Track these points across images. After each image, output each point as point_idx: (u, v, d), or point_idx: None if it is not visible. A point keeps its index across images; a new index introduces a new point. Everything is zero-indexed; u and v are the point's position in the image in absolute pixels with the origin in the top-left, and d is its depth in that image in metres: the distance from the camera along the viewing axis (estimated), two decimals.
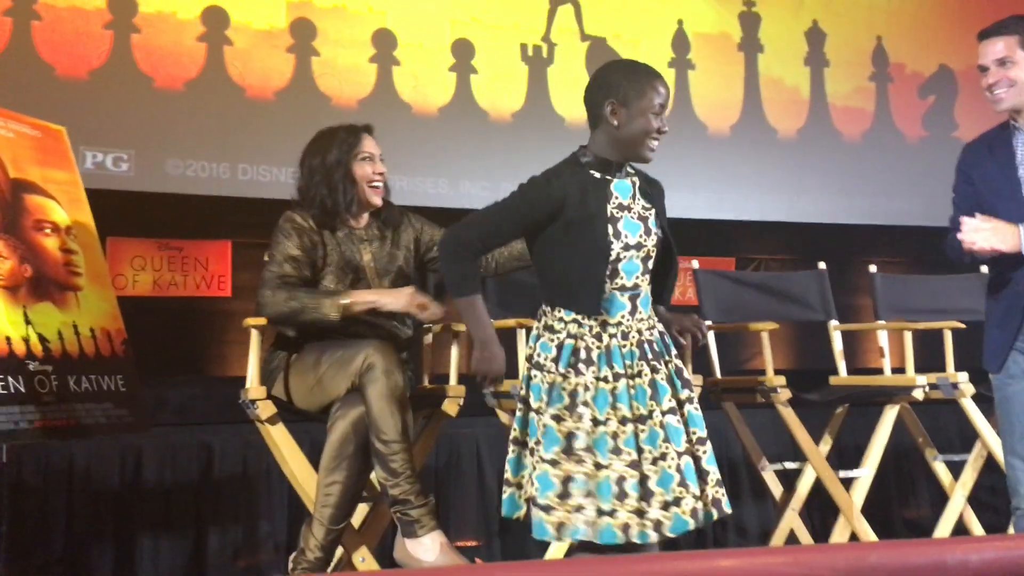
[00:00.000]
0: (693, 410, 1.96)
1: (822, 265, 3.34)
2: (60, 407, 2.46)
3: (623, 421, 1.91)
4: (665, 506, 1.87)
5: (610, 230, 1.93)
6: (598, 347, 1.95)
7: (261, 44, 4.32)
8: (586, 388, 1.91)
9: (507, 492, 1.96)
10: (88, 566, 2.99)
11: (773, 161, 4.95)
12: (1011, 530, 3.15)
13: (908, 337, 3.00)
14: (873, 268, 3.37)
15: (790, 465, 3.05)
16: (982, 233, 2.12)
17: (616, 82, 1.96)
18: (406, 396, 2.25)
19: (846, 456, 3.41)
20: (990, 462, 3.08)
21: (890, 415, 3.02)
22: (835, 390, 3.10)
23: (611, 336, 1.96)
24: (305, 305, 2.30)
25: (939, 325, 3.03)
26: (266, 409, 2.34)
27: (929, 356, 3.24)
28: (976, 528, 3.18)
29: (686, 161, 4.82)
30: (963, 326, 3.08)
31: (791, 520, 2.96)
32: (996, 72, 2.18)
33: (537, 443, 1.91)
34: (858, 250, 4.88)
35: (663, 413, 1.93)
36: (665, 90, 1.97)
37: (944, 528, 3.09)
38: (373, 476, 2.43)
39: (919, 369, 3.08)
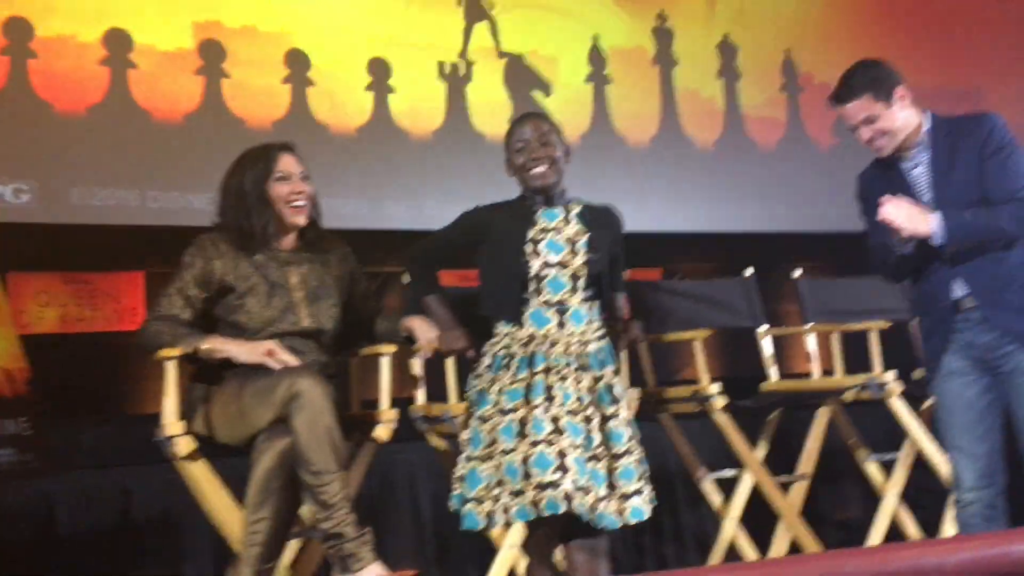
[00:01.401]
0: (615, 427, 2.16)
1: (749, 271, 3.36)
2: None
3: (533, 408, 2.12)
4: (595, 500, 2.07)
5: (528, 249, 2.23)
6: (522, 353, 2.21)
7: (168, 66, 4.17)
8: (501, 389, 2.17)
9: (468, 508, 2.16)
10: None
11: (693, 172, 5.02)
12: (947, 524, 3.22)
13: (836, 339, 3.04)
14: (797, 273, 3.42)
15: (727, 473, 3.05)
16: (903, 211, 2.16)
17: (504, 145, 2.33)
18: (336, 424, 2.15)
19: (780, 461, 3.43)
20: (919, 460, 3.14)
21: (823, 418, 3.05)
22: (768, 396, 3.12)
23: (537, 345, 2.22)
24: (169, 342, 2.25)
25: (865, 326, 3.08)
26: (185, 446, 2.21)
27: (856, 357, 3.29)
28: (910, 526, 3.23)
29: (607, 173, 4.83)
30: (888, 325, 3.14)
31: (731, 529, 2.95)
32: (867, 130, 2.27)
33: (467, 443, 2.19)
34: (780, 257, 4.95)
35: (603, 418, 2.16)
36: (521, 127, 2.30)
37: (879, 527, 3.13)
38: (304, 510, 2.33)
39: (848, 371, 3.12)
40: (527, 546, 2.33)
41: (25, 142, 3.88)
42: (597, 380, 2.20)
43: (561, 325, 2.21)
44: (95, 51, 4.04)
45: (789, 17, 5.33)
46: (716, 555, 2.98)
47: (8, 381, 2.52)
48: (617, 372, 2.25)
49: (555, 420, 2.10)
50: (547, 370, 2.17)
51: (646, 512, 2.14)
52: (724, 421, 2.81)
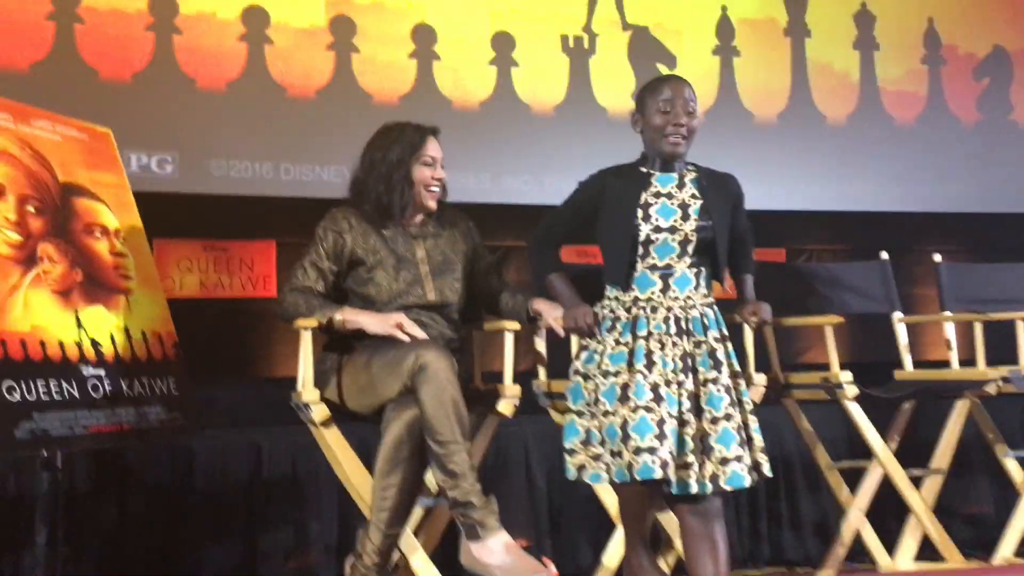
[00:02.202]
0: (715, 391, 2.17)
1: (884, 255, 3.22)
2: (113, 412, 2.44)
3: (636, 373, 2.16)
4: (678, 466, 2.11)
5: (639, 214, 2.24)
6: (626, 317, 2.25)
7: (301, 43, 4.29)
8: (604, 349, 2.22)
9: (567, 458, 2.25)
10: (140, 568, 2.98)
11: (822, 148, 4.82)
12: None
13: (978, 328, 2.88)
14: (938, 257, 3.25)
15: (858, 464, 2.95)
16: None
17: (638, 96, 2.32)
18: (460, 395, 2.20)
19: (912, 453, 3.30)
20: None
21: (961, 410, 2.90)
22: (901, 385, 2.99)
23: (640, 308, 2.25)
24: (306, 312, 2.32)
25: (1011, 316, 2.91)
26: (320, 412, 2.30)
27: (996, 348, 3.12)
28: None
29: (732, 150, 4.68)
30: None
31: (857, 520, 2.86)
32: None
33: (567, 396, 2.27)
34: (912, 238, 4.74)
35: (699, 383, 2.18)
36: (671, 89, 2.27)
37: (1016, 527, 2.97)
38: (429, 478, 2.39)
39: (989, 362, 2.96)
40: (621, 510, 2.35)
41: (169, 116, 4.08)
42: (699, 344, 2.21)
43: (664, 289, 2.24)
44: (234, 28, 4.20)
45: None
46: (839, 548, 2.90)
47: (158, 344, 2.68)
48: (723, 339, 2.24)
49: (655, 388, 2.14)
50: (648, 335, 2.21)
51: (747, 480, 2.12)
52: (855, 410, 2.71)
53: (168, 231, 3.98)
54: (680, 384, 2.16)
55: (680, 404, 2.14)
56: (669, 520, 2.61)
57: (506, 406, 2.46)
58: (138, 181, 3.77)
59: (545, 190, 4.49)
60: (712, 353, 2.21)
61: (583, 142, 4.47)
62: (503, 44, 4.56)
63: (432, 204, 2.45)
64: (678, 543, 2.54)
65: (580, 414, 2.23)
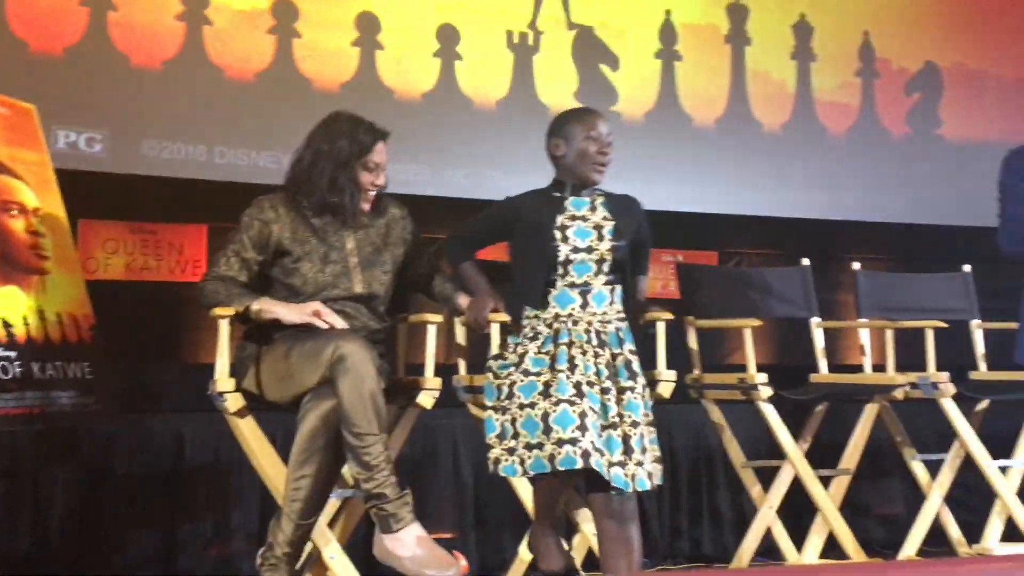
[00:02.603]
0: (632, 398, 2.30)
1: (806, 261, 3.32)
2: (23, 395, 2.39)
3: (558, 372, 2.26)
4: (611, 464, 2.21)
5: (558, 235, 2.37)
6: (548, 332, 2.36)
7: (241, 25, 4.23)
8: (526, 353, 2.33)
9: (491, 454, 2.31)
10: (54, 556, 2.93)
11: (758, 155, 4.92)
12: (990, 528, 3.16)
13: (889, 335, 2.98)
14: (857, 265, 3.35)
15: (769, 463, 3.03)
16: None
17: (561, 125, 2.45)
18: (379, 387, 2.20)
19: (825, 454, 3.40)
20: (967, 462, 3.08)
21: (870, 413, 3.01)
22: (816, 388, 3.09)
23: (562, 323, 2.36)
24: (224, 300, 2.31)
25: (921, 324, 3.02)
26: (235, 402, 2.29)
27: (909, 355, 3.23)
28: (952, 529, 3.18)
29: (670, 153, 4.78)
30: (946, 326, 3.07)
31: (767, 518, 2.94)
32: None
33: (482, 396, 2.37)
34: (840, 246, 4.87)
35: (619, 391, 2.30)
36: (601, 122, 2.42)
37: (920, 528, 3.09)
38: (346, 470, 2.39)
39: (899, 368, 3.07)
40: (535, 500, 2.43)
41: (100, 93, 3.98)
42: (615, 356, 2.34)
43: (584, 305, 2.37)
44: (172, 6, 4.12)
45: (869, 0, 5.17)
46: (749, 544, 2.98)
47: (74, 326, 2.63)
48: (635, 353, 2.39)
49: (577, 385, 2.24)
50: (570, 344, 2.32)
51: (648, 484, 2.27)
52: (768, 411, 2.79)
53: (94, 212, 3.89)
54: (604, 390, 2.27)
55: (606, 407, 2.26)
56: (580, 511, 2.66)
57: (426, 399, 2.47)
58: (64, 159, 3.69)
59: (485, 184, 4.50)
60: (628, 365, 2.35)
61: (525, 138, 4.46)
62: (448, 37, 4.56)
63: (366, 206, 2.44)
64: (587, 531, 2.59)
65: (496, 409, 2.31)
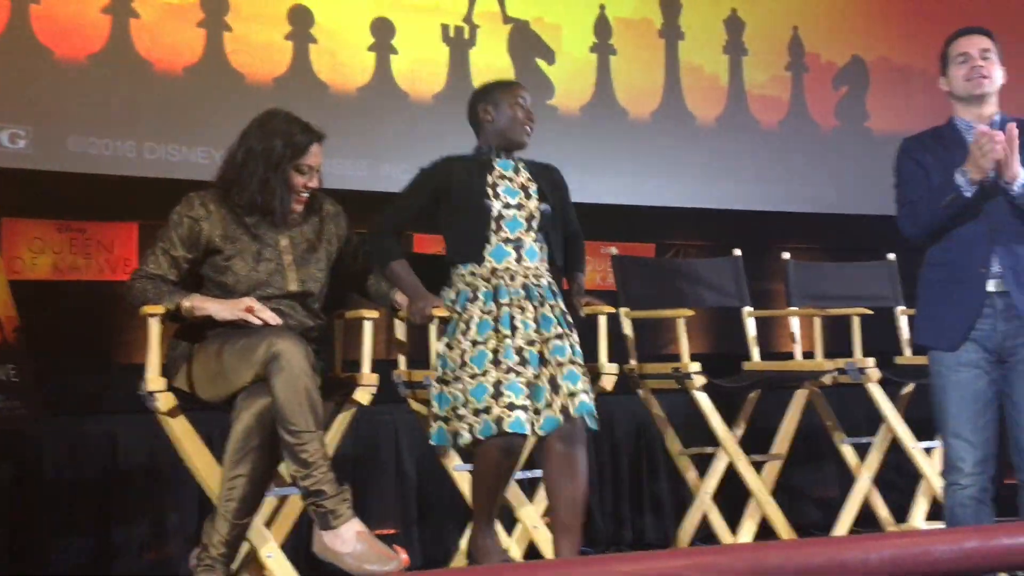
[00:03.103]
0: (559, 344, 2.41)
1: (737, 252, 3.38)
2: None
3: (504, 338, 2.36)
4: (537, 411, 2.31)
5: (489, 192, 2.48)
6: (486, 287, 2.44)
7: (170, 17, 4.14)
8: (471, 318, 2.40)
9: (435, 426, 2.40)
10: None
11: (692, 148, 4.99)
12: (917, 507, 3.27)
13: (817, 323, 3.06)
14: (786, 255, 3.43)
15: (704, 450, 3.09)
16: (1000, 142, 2.19)
17: (486, 92, 2.58)
18: (314, 384, 2.19)
19: (760, 440, 3.48)
20: (894, 444, 3.18)
21: (800, 399, 3.08)
22: (748, 375, 3.16)
23: (499, 278, 2.45)
24: (153, 299, 2.28)
25: (847, 311, 3.11)
26: (166, 402, 2.25)
27: (839, 341, 3.32)
28: (881, 509, 3.28)
29: (607, 146, 4.82)
30: (871, 312, 3.16)
31: (703, 503, 3.00)
32: (983, 63, 2.36)
33: (435, 368, 2.45)
34: (774, 236, 4.98)
35: (544, 340, 2.39)
36: (525, 92, 2.57)
37: (851, 509, 3.18)
38: (283, 468, 2.37)
39: (829, 354, 3.15)
40: (475, 484, 2.45)
41: (23, 87, 3.86)
42: (551, 308, 2.46)
43: (518, 259, 2.48)
44: None
45: None
46: (687, 530, 3.04)
47: None
48: (566, 307, 2.51)
49: (519, 351, 2.36)
50: (509, 303, 2.42)
51: (592, 407, 2.36)
52: (702, 399, 2.84)
53: (19, 210, 3.78)
54: (533, 342, 2.39)
55: (542, 358, 2.38)
56: (520, 504, 2.68)
57: (363, 395, 2.47)
58: None
59: None
60: (563, 315, 2.48)
61: (462, 132, 4.44)
62: (382, 30, 4.53)
63: (298, 208, 2.41)
64: (527, 522, 2.62)
65: (447, 382, 2.39)
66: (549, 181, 2.59)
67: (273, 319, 2.26)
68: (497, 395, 2.29)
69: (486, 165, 2.54)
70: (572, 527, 2.32)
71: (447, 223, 2.54)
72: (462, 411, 2.33)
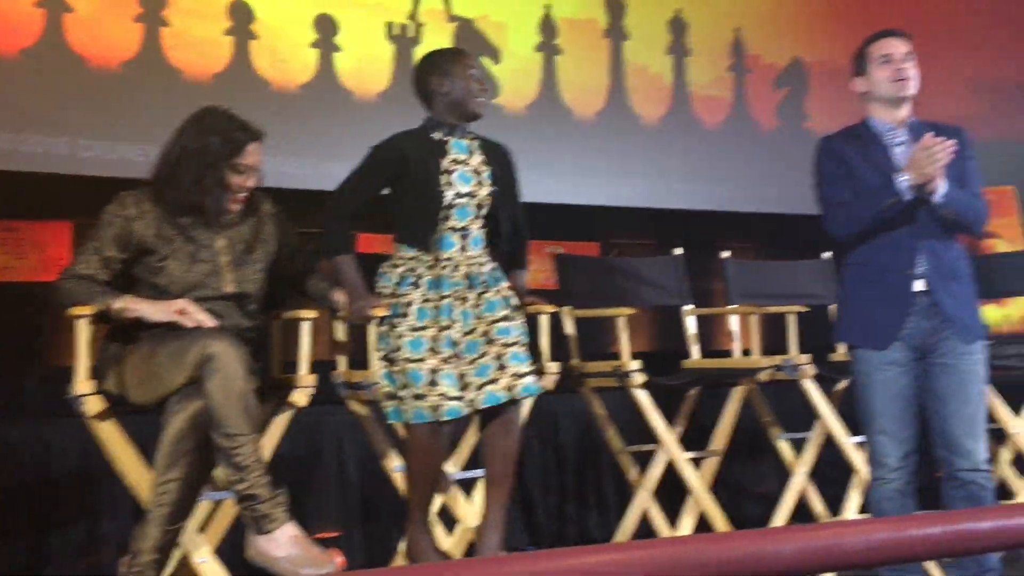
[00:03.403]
0: (505, 325, 2.40)
1: (678, 250, 3.42)
2: None
3: (443, 328, 2.35)
4: (480, 387, 2.32)
5: (443, 180, 2.40)
6: (429, 276, 2.41)
7: (105, 11, 4.05)
8: (411, 303, 2.38)
9: (389, 404, 2.40)
10: None
11: (637, 147, 5.04)
12: (851, 501, 3.34)
13: (755, 321, 3.11)
14: (725, 254, 3.48)
15: (644, 447, 3.12)
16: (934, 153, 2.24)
17: (436, 63, 2.48)
18: (250, 387, 2.15)
19: (701, 436, 3.52)
20: (831, 439, 3.24)
21: (737, 396, 3.13)
22: (687, 373, 3.19)
23: (442, 268, 2.42)
24: (82, 300, 2.23)
25: (783, 309, 3.16)
26: (94, 405, 2.20)
27: (777, 339, 3.38)
28: (816, 503, 3.34)
29: (552, 145, 4.84)
30: (806, 310, 3.22)
31: (643, 500, 3.03)
32: (907, 65, 2.39)
33: (376, 347, 2.43)
34: (718, 235, 5.04)
35: (489, 323, 2.39)
36: (475, 60, 2.50)
37: (787, 504, 3.24)
38: (218, 471, 2.33)
39: (767, 351, 3.20)
40: (411, 475, 2.44)
41: None
42: (496, 293, 2.44)
43: (463, 249, 2.45)
44: None
45: None
46: (627, 527, 3.06)
47: None
48: (508, 291, 2.48)
49: (455, 344, 2.35)
50: (452, 294, 2.40)
51: (537, 389, 2.38)
52: (642, 397, 2.87)
53: None
54: (473, 330, 2.39)
55: (478, 344, 2.37)
56: (460, 504, 2.68)
57: (300, 396, 2.44)
58: None
59: None
60: (506, 300, 2.45)
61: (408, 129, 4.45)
62: (325, 27, 4.48)
63: (236, 208, 2.37)
64: (468, 524, 2.61)
65: (391, 361, 2.38)
66: (501, 163, 2.51)
67: (208, 320, 2.22)
68: (433, 383, 2.30)
69: (441, 147, 2.44)
70: (503, 480, 2.37)
71: (397, 201, 2.47)
72: (402, 393, 2.34)
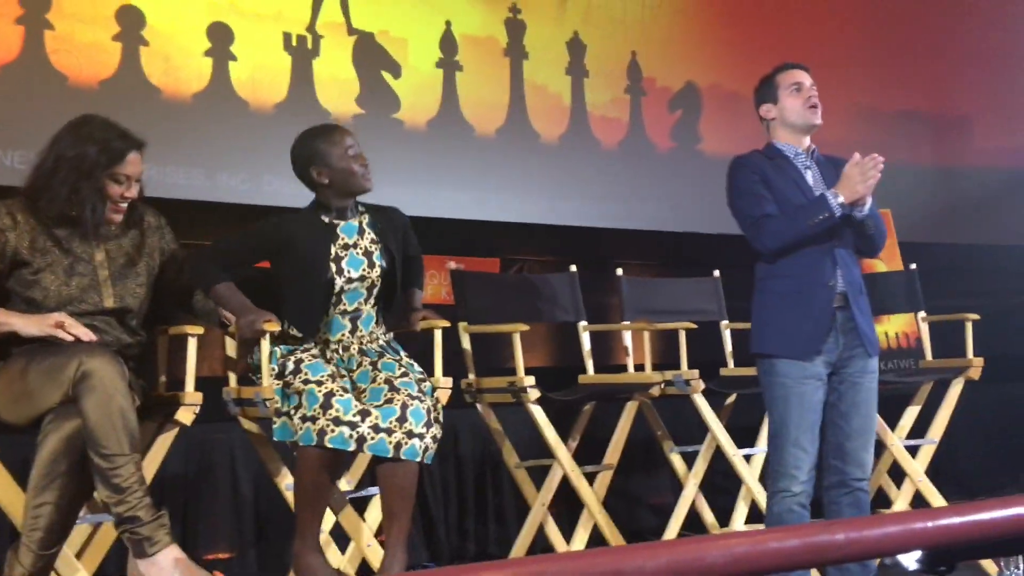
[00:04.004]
0: (406, 380, 2.40)
1: (573, 268, 3.48)
2: None
3: (342, 375, 2.39)
4: (377, 429, 2.28)
5: (333, 268, 2.41)
6: (317, 351, 2.43)
7: None
8: (309, 349, 2.41)
9: (279, 421, 2.38)
10: None
11: (536, 165, 5.10)
12: (738, 512, 3.44)
13: (647, 336, 3.19)
14: (620, 271, 3.56)
15: (540, 462, 3.15)
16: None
17: (311, 149, 2.46)
18: (130, 404, 2.08)
19: (599, 450, 3.57)
20: (719, 452, 3.34)
21: (630, 410, 3.19)
22: (582, 388, 3.24)
23: (332, 350, 2.45)
24: None
25: (674, 326, 3.25)
26: None
27: (671, 354, 3.47)
28: (707, 514, 3.44)
29: (453, 161, 4.86)
30: (694, 326, 3.32)
31: (539, 515, 3.06)
32: (815, 96, 2.51)
33: (272, 368, 2.43)
34: (614, 253, 5.15)
35: (389, 379, 2.39)
36: (349, 136, 2.48)
37: (679, 515, 3.32)
38: (98, 493, 2.24)
39: (659, 366, 3.28)
40: (298, 496, 2.40)
41: None
42: (390, 358, 2.46)
43: (353, 331, 2.47)
44: None
45: (636, 21, 5.50)
46: (523, 541, 3.08)
47: None
48: (408, 359, 2.50)
49: (357, 388, 2.37)
50: (351, 369, 2.42)
51: (419, 456, 2.32)
52: (536, 412, 2.90)
53: None
54: (378, 380, 2.39)
55: (383, 390, 2.36)
56: (350, 519, 2.65)
57: (185, 414, 2.37)
58: None
59: (263, 190, 4.37)
60: (399, 361, 2.46)
61: None
62: (220, 36, 4.38)
63: (117, 218, 2.30)
64: (362, 543, 2.58)
65: (287, 384, 2.36)
66: (391, 229, 2.53)
67: (86, 335, 2.13)
68: (326, 406, 2.26)
69: (330, 232, 2.45)
70: (401, 514, 2.35)
71: (286, 285, 2.46)
72: (294, 412, 2.31)
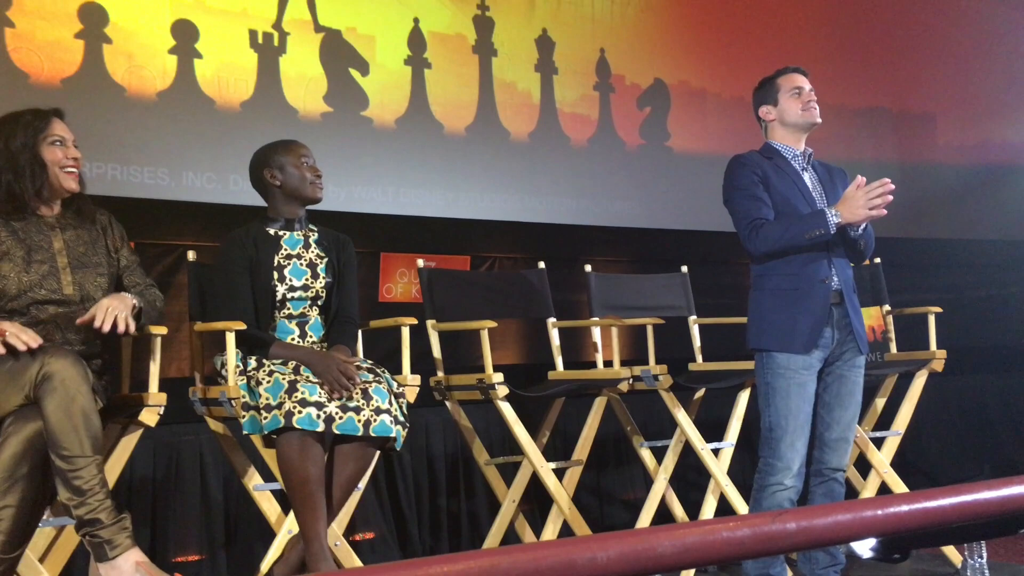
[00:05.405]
0: (365, 374, 2.42)
1: (541, 264, 3.48)
2: None
3: (297, 370, 2.38)
4: (345, 409, 2.30)
5: (275, 276, 2.51)
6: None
7: None
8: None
9: (246, 415, 2.38)
10: None
11: (506, 162, 5.11)
12: (707, 505, 3.47)
13: (615, 332, 3.20)
14: (588, 268, 3.57)
15: (509, 459, 3.16)
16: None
17: (266, 158, 2.58)
18: (92, 406, 2.06)
19: (568, 445, 3.59)
20: (688, 447, 3.36)
21: (599, 406, 3.21)
22: (551, 384, 3.25)
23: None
24: None
25: (642, 321, 3.27)
26: None
27: (640, 349, 3.48)
28: (677, 508, 3.46)
29: (422, 158, 4.84)
30: (662, 322, 3.34)
31: (509, 511, 3.06)
32: (814, 99, 2.59)
33: (237, 365, 2.47)
34: (584, 249, 5.16)
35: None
36: (302, 147, 2.60)
37: (649, 509, 3.33)
38: (60, 496, 2.21)
39: (628, 362, 3.30)
40: (290, 488, 2.37)
41: None
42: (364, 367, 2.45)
43: (302, 335, 2.54)
44: None
45: (605, 19, 5.52)
46: (494, 537, 3.09)
47: None
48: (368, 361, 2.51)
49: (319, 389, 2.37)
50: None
51: (393, 431, 2.34)
52: (505, 409, 2.90)
53: None
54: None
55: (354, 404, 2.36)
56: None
57: (149, 415, 2.35)
58: None
59: (229, 189, 4.33)
60: (369, 367, 2.46)
61: (271, 140, 4.35)
62: (185, 33, 4.34)
63: (73, 184, 2.32)
64: (329, 540, 2.57)
65: (258, 381, 2.36)
66: (340, 255, 2.61)
67: (34, 340, 2.08)
68: (292, 391, 2.29)
69: (274, 243, 2.55)
70: (336, 507, 2.39)
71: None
72: (261, 404, 2.33)
